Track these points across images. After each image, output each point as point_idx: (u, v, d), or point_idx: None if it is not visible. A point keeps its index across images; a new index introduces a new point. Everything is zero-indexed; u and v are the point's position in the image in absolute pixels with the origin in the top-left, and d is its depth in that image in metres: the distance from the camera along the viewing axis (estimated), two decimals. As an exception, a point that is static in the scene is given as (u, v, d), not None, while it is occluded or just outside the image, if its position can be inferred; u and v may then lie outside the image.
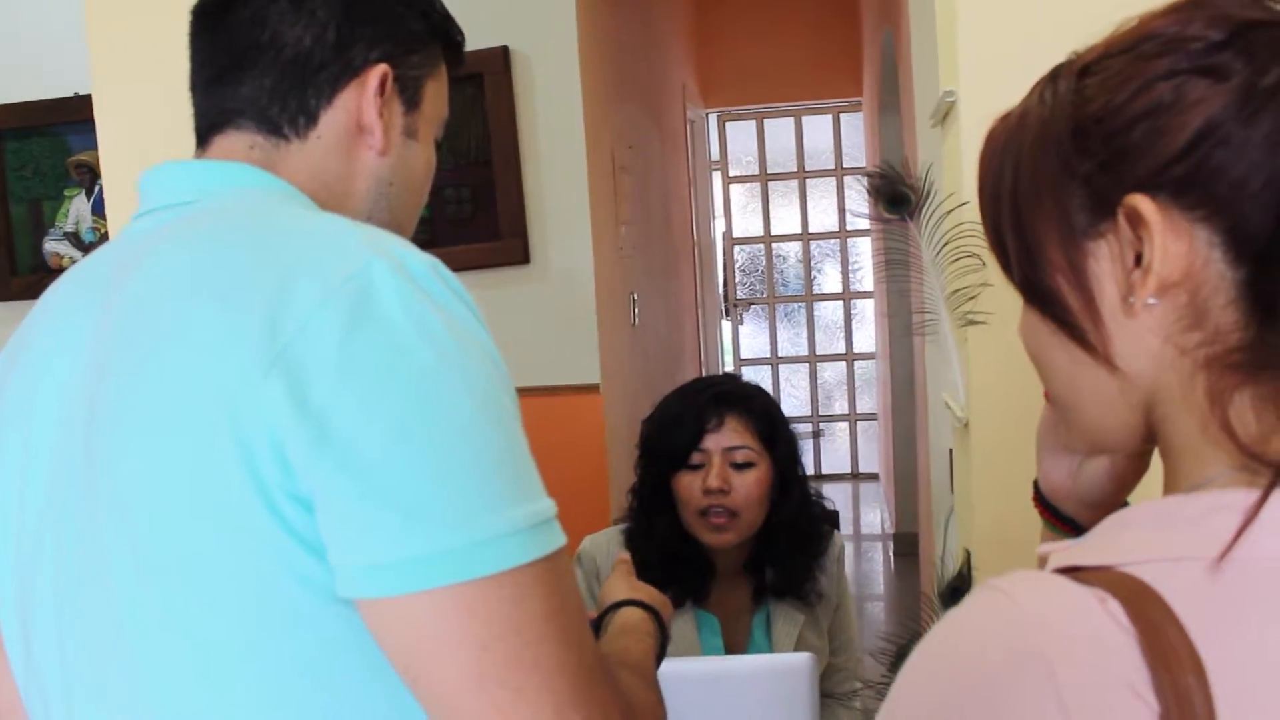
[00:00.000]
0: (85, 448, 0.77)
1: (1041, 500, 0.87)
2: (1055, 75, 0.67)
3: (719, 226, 6.84)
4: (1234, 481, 0.58)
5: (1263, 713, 0.52)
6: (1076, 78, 0.65)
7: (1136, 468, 0.81)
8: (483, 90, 3.16)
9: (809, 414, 7.14)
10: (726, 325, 6.94)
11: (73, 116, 3.51)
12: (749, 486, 1.74)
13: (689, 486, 1.74)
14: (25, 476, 0.81)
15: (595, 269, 3.23)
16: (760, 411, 1.79)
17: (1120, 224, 0.61)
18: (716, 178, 6.80)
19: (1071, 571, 0.57)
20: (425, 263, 0.75)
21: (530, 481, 0.74)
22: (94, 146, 3.55)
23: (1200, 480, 0.61)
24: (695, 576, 1.79)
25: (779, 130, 6.81)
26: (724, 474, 1.73)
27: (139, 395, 0.75)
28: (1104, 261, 0.63)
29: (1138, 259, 0.61)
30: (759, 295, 7.13)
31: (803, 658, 1.28)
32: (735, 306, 7.02)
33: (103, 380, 0.77)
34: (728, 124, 6.82)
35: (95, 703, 0.79)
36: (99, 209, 3.54)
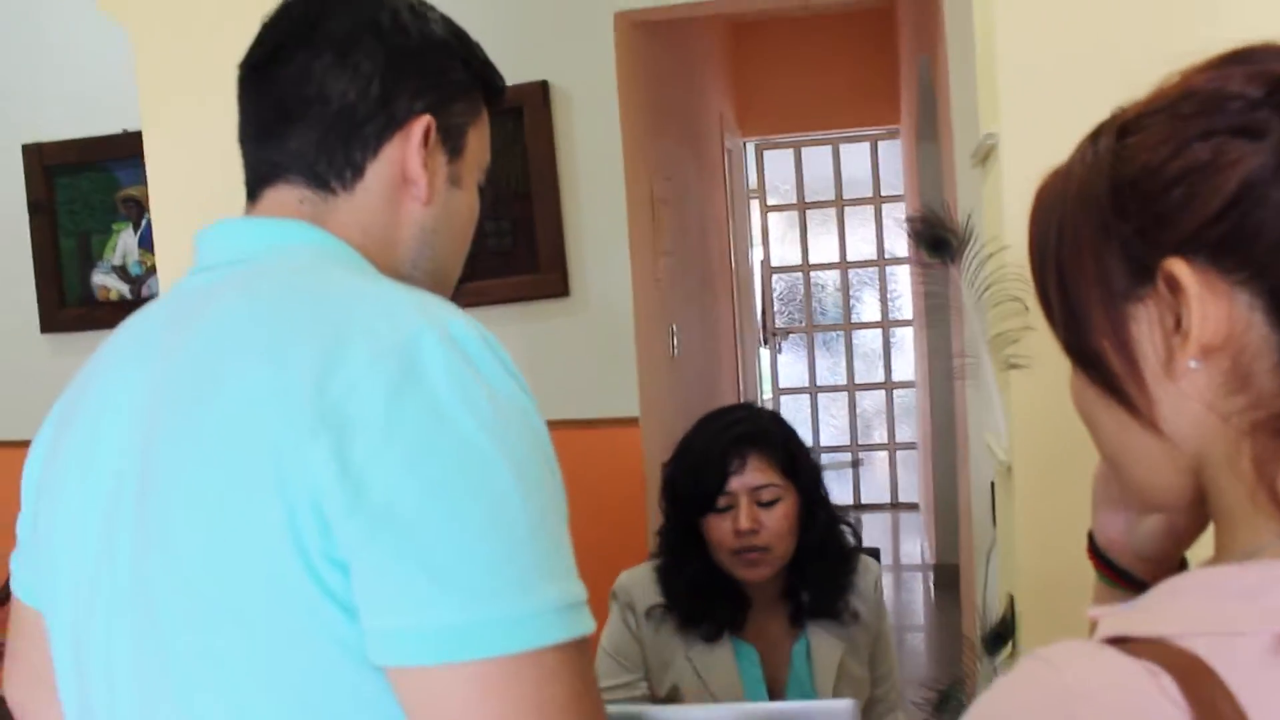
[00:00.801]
0: (138, 498, 0.78)
1: (1096, 553, 0.85)
2: (1098, 133, 0.66)
3: (757, 255, 6.83)
4: None
5: None
6: (1116, 137, 0.64)
7: (1193, 524, 0.78)
8: (522, 124, 3.19)
9: (848, 443, 7.10)
10: (765, 354, 6.93)
11: (121, 152, 3.57)
12: (778, 522, 1.75)
13: (719, 529, 1.75)
14: (83, 523, 0.83)
15: (634, 300, 3.24)
16: (780, 445, 1.80)
17: (1160, 288, 0.61)
18: (754, 206, 6.81)
19: (1122, 642, 0.56)
20: (475, 335, 0.76)
21: (564, 562, 0.74)
22: (142, 182, 3.60)
23: (1252, 548, 0.59)
24: (731, 609, 1.80)
25: (816, 158, 6.80)
26: (753, 514, 1.74)
27: (191, 448, 0.76)
28: (1145, 325, 0.62)
29: (1178, 323, 0.60)
30: (797, 324, 7.11)
31: (845, 704, 1.28)
32: (774, 335, 7.00)
33: (155, 432, 0.79)
34: (765, 153, 6.83)
35: None
36: (146, 243, 3.59)
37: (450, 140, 0.94)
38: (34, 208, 3.75)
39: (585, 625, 0.74)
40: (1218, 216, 0.59)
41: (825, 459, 7.06)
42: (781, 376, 7.11)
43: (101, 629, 0.81)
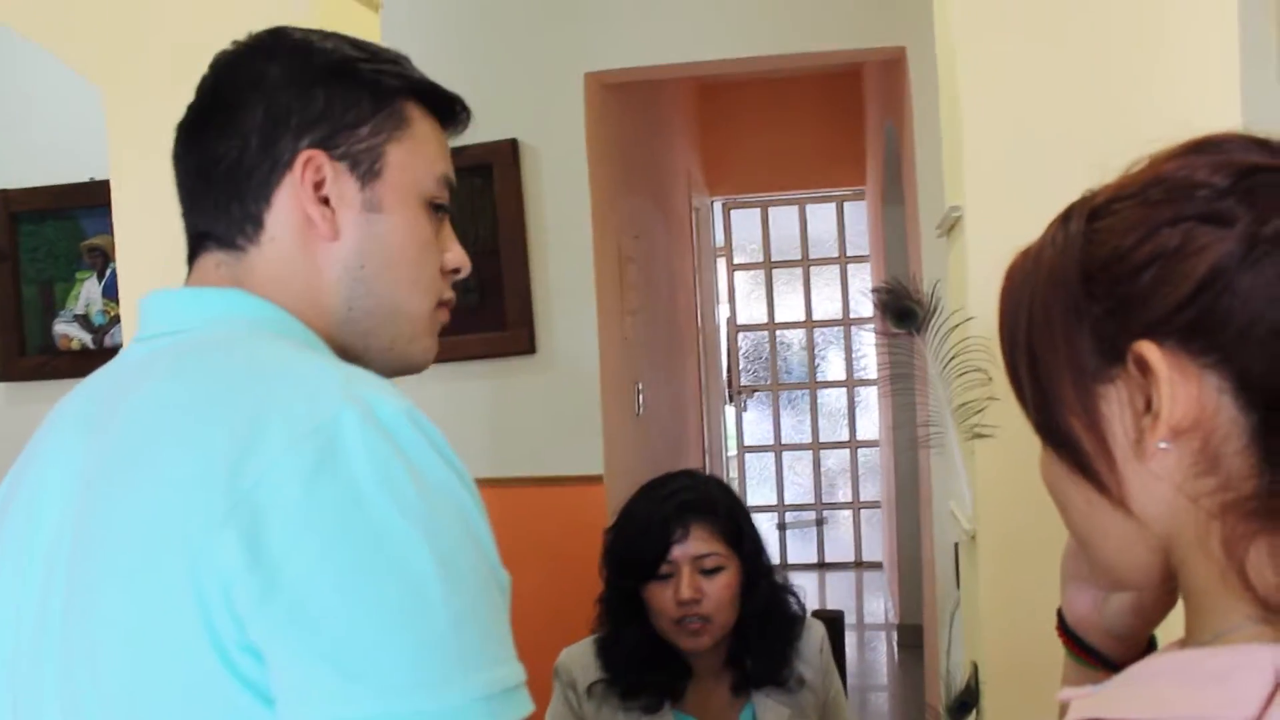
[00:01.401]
0: (66, 580, 0.76)
1: (1065, 629, 0.85)
2: (1068, 216, 0.67)
3: (723, 313, 6.87)
4: (1256, 635, 0.57)
5: None
6: (1087, 220, 0.65)
7: (1163, 602, 0.78)
8: (491, 181, 3.21)
9: (812, 501, 7.11)
10: (730, 412, 6.94)
11: (87, 201, 3.55)
12: (719, 591, 1.73)
13: (660, 597, 1.73)
14: (19, 602, 0.81)
15: (600, 359, 3.25)
16: (725, 514, 1.79)
17: (1130, 369, 0.61)
18: (721, 264, 6.85)
19: None
20: (400, 412, 0.72)
21: (494, 647, 0.71)
22: (107, 230, 3.58)
23: (1222, 628, 0.59)
24: (672, 678, 1.78)
25: (783, 218, 6.87)
26: (694, 582, 1.72)
27: (112, 534, 0.74)
28: (1115, 405, 0.63)
29: (1148, 404, 0.61)
30: (763, 382, 7.14)
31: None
32: (739, 393, 7.02)
33: (83, 517, 0.77)
34: (732, 211, 6.88)
35: None
36: (110, 292, 3.56)
37: (360, 165, 0.88)
38: (-3, 256, 3.72)
39: (518, 709, 0.71)
40: (1187, 301, 0.59)
41: (789, 517, 7.06)
42: (746, 434, 7.12)
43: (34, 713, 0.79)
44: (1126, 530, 0.65)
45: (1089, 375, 0.64)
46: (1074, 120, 1.27)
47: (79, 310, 3.65)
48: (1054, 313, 0.65)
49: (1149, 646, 0.82)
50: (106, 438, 0.79)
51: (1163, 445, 0.61)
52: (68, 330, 3.62)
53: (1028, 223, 0.73)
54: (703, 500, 1.79)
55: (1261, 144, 0.63)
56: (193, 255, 0.91)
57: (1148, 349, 0.60)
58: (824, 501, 7.13)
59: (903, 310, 1.37)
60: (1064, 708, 0.63)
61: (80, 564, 0.75)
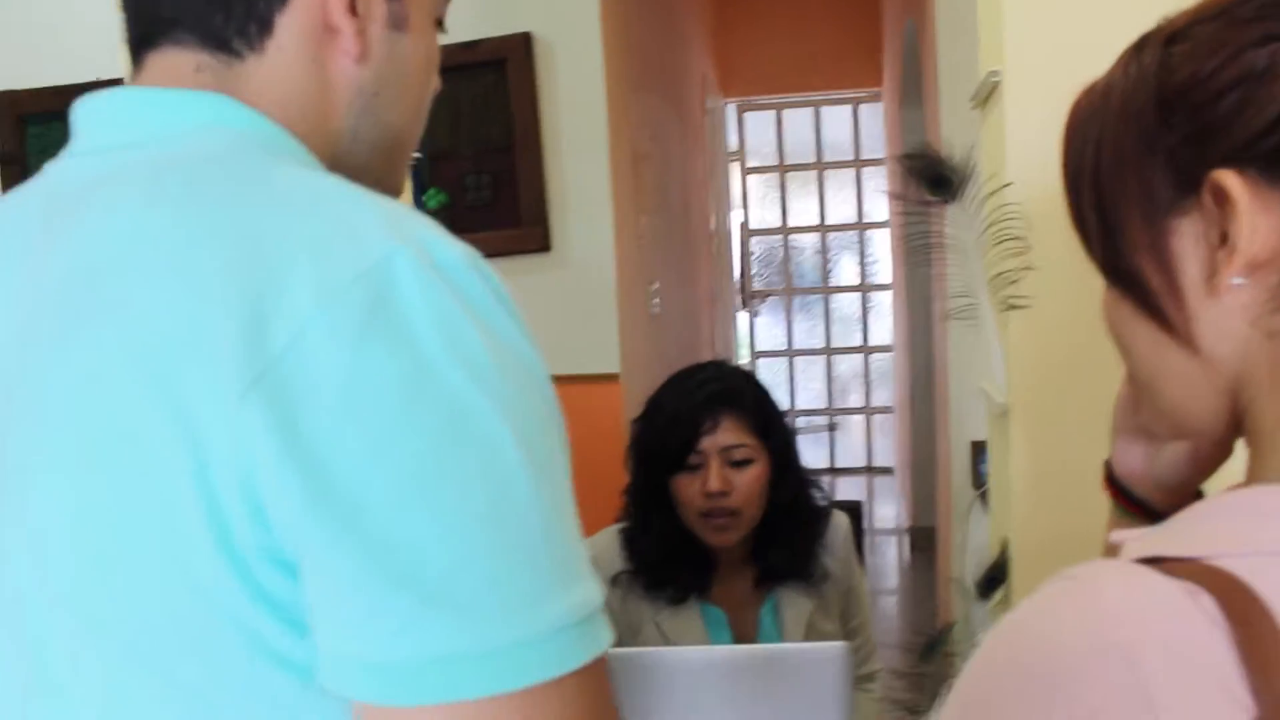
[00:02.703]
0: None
1: (1113, 482, 0.83)
2: (1141, 45, 0.62)
3: (736, 217, 6.82)
4: None
5: None
6: (1163, 46, 0.61)
7: (1218, 453, 0.76)
8: (505, 76, 3.15)
9: (825, 407, 7.12)
10: (743, 317, 6.92)
11: (94, 100, 3.50)
12: (748, 484, 1.72)
13: (688, 489, 1.72)
14: None
15: (616, 257, 3.22)
16: (754, 406, 1.77)
17: (1205, 201, 0.58)
18: (735, 168, 6.78)
19: (1154, 562, 0.53)
20: (462, 256, 0.58)
21: (579, 558, 0.58)
22: (115, 130, 3.54)
23: None
24: (697, 571, 1.78)
25: (797, 121, 6.78)
26: (723, 475, 1.70)
27: (69, 397, 0.57)
28: (1188, 240, 0.59)
29: (1223, 237, 0.57)
30: (776, 287, 7.11)
31: (837, 647, 1.27)
32: (752, 298, 7.00)
33: (24, 369, 0.60)
34: (746, 114, 6.80)
35: None
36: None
37: None
38: (4, 158, 3.68)
39: (603, 638, 0.58)
40: (1271, 127, 0.56)
41: (801, 422, 7.08)
42: (759, 339, 7.11)
43: None
44: (1193, 372, 0.62)
45: (1161, 209, 0.60)
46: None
47: (90, 211, 3.62)
48: (1125, 145, 0.62)
49: (1197, 498, 0.81)
50: (49, 275, 0.61)
51: (1238, 281, 0.57)
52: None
53: (1071, 86, 0.68)
54: (732, 391, 1.77)
55: None
56: (146, 43, 0.70)
57: (1227, 177, 0.57)
58: (836, 407, 7.14)
59: (937, 177, 1.33)
60: (1114, 549, 0.61)
61: (16, 436, 0.59)
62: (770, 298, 7.12)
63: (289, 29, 0.69)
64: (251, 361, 0.53)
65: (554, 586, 0.55)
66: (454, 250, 0.58)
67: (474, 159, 3.22)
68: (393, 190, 0.78)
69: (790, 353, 7.08)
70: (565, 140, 3.19)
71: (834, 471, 6.96)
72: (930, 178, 1.33)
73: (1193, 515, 0.58)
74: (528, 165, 3.18)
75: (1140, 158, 0.61)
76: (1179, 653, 0.49)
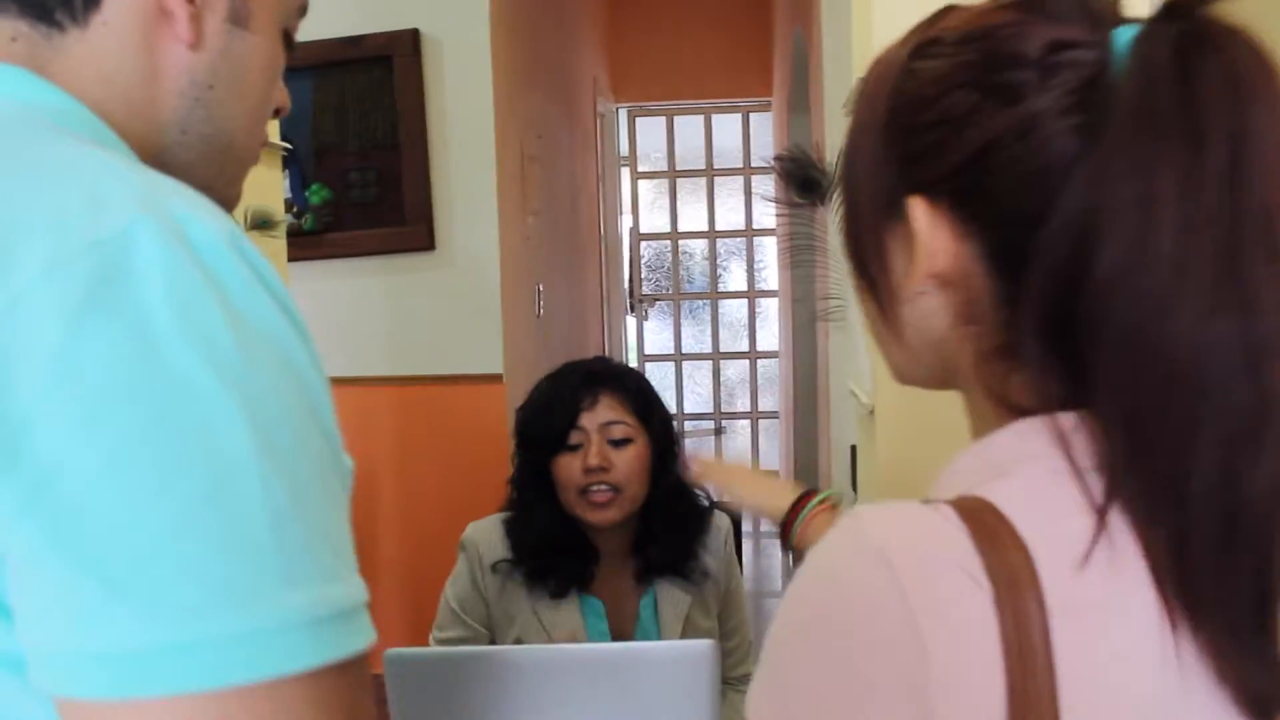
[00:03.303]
0: None
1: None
2: (910, 38, 0.69)
3: (626, 222, 6.84)
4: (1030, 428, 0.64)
5: (1080, 584, 0.58)
6: (911, 56, 0.68)
7: None
8: (392, 73, 3.12)
9: (711, 411, 7.18)
10: (631, 320, 6.94)
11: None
12: (629, 462, 1.75)
13: (568, 467, 1.74)
14: None
15: (501, 257, 3.21)
16: (634, 388, 1.81)
17: (906, 218, 0.66)
18: (625, 173, 6.80)
19: None
20: (219, 233, 0.54)
21: (327, 556, 0.53)
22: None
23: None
24: (578, 563, 1.79)
25: (689, 128, 6.83)
26: (603, 451, 1.74)
27: None
28: (898, 245, 0.68)
29: None
30: (664, 291, 7.14)
31: (706, 644, 1.28)
32: (640, 302, 7.02)
33: None
34: (638, 119, 6.82)
35: None
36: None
37: None
38: None
39: (350, 642, 0.53)
40: (958, 170, 0.64)
41: (688, 426, 7.13)
42: (647, 343, 7.14)
43: None
44: (908, 356, 0.73)
45: (884, 215, 0.68)
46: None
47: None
48: (869, 138, 0.69)
49: None
50: None
51: (921, 290, 0.67)
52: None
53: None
54: (612, 372, 1.82)
55: (1092, 14, 0.63)
56: None
57: (915, 204, 0.65)
58: (723, 411, 7.21)
59: (807, 180, 1.36)
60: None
61: None
62: (659, 302, 7.16)
63: (118, 5, 0.66)
64: None
65: (278, 582, 0.50)
66: (211, 226, 0.54)
67: (359, 155, 3.18)
68: (223, 201, 0.74)
69: (678, 357, 7.12)
70: (452, 138, 3.17)
71: (720, 475, 7.02)
72: (800, 180, 1.35)
73: (942, 477, 0.67)
74: (413, 163, 3.15)
75: (874, 165, 0.69)
76: (923, 548, 0.58)
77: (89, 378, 0.49)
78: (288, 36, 0.77)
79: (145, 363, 0.49)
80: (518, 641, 1.77)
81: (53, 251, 0.50)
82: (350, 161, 3.20)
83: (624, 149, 6.76)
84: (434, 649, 1.75)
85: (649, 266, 7.16)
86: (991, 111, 0.62)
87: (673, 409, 7.26)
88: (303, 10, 0.78)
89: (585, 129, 5.24)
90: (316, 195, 3.20)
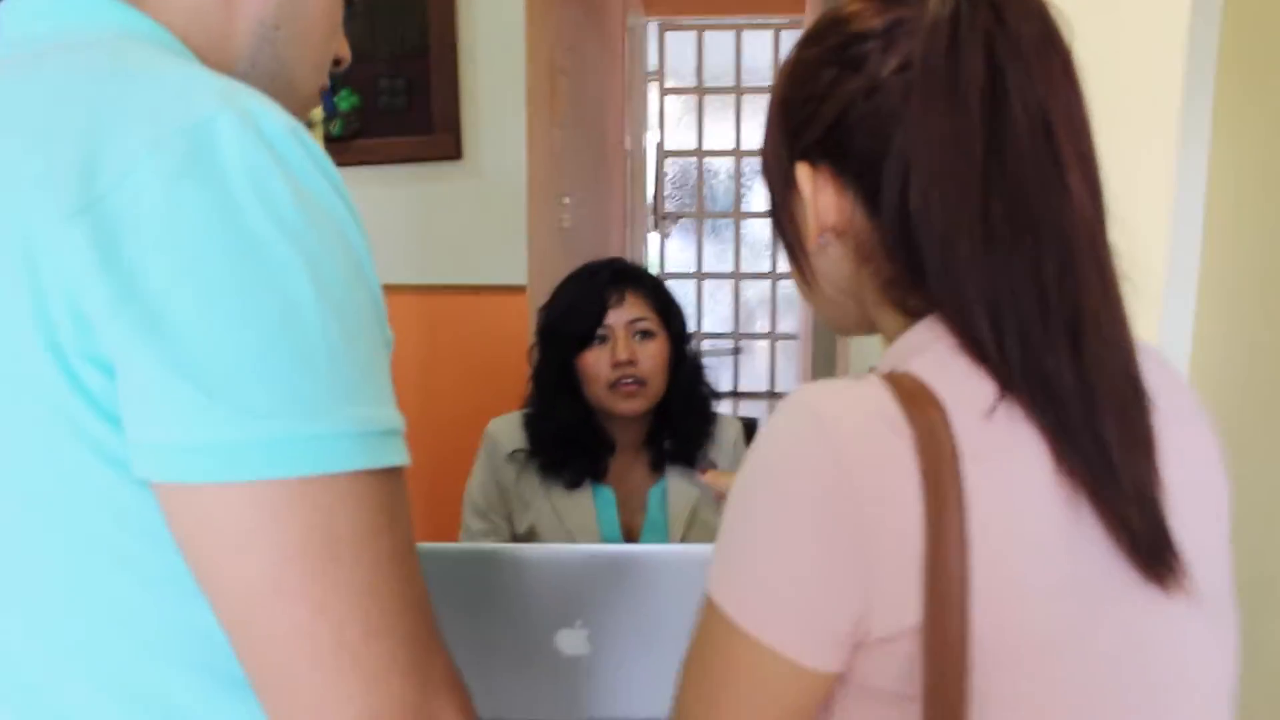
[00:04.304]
0: None
1: None
2: (806, 30, 0.83)
3: (652, 137, 6.80)
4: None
5: (986, 433, 0.69)
6: (800, 45, 0.82)
7: None
8: (422, -22, 3.10)
9: (731, 331, 7.21)
10: (654, 237, 6.94)
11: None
12: (653, 355, 1.85)
13: (596, 362, 1.84)
14: None
15: (528, 169, 3.21)
16: (654, 288, 1.92)
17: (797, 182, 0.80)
18: (653, 88, 6.75)
19: None
20: (284, 125, 0.66)
21: (373, 387, 0.65)
22: None
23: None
24: (594, 455, 1.88)
25: (718, 43, 6.76)
26: (630, 345, 1.84)
27: None
28: (799, 208, 0.82)
29: None
30: (688, 209, 7.13)
31: (707, 550, 1.33)
32: (663, 219, 7.02)
33: None
34: (667, 33, 6.75)
35: None
36: None
37: None
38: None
39: (390, 456, 0.66)
40: (826, 134, 0.78)
41: (707, 345, 7.16)
42: (668, 261, 7.15)
43: None
44: (828, 301, 0.86)
45: (784, 184, 0.82)
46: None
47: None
48: (771, 125, 0.83)
49: None
50: None
51: (822, 241, 0.81)
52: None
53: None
54: (635, 272, 1.92)
55: None
56: None
57: (800, 169, 0.80)
58: (742, 332, 7.24)
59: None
60: None
61: None
62: (682, 220, 7.15)
63: None
64: (82, 193, 0.61)
65: (333, 400, 0.62)
66: (278, 119, 0.66)
67: (389, 62, 3.17)
68: None
69: (699, 275, 7.13)
70: (481, 48, 3.16)
71: (737, 395, 7.07)
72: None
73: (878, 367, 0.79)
74: (442, 70, 3.14)
75: (775, 140, 0.83)
76: (849, 405, 0.69)
77: (185, 231, 0.60)
78: None
79: (228, 221, 0.61)
80: (531, 528, 1.84)
81: (152, 133, 0.62)
82: (380, 68, 3.20)
83: (653, 63, 6.70)
84: (440, 544, 1.83)
85: (673, 184, 7.14)
86: (846, 80, 0.76)
87: (693, 327, 7.29)
88: None
89: (614, 42, 5.20)
90: (345, 101, 3.20)
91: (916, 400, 0.69)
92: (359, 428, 0.63)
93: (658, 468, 1.92)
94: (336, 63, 0.91)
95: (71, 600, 0.66)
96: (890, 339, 0.81)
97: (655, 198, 6.92)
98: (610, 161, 5.15)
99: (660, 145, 6.95)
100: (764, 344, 7.23)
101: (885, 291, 0.79)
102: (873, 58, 0.75)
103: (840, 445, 0.68)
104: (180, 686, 0.68)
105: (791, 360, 6.94)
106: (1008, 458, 0.70)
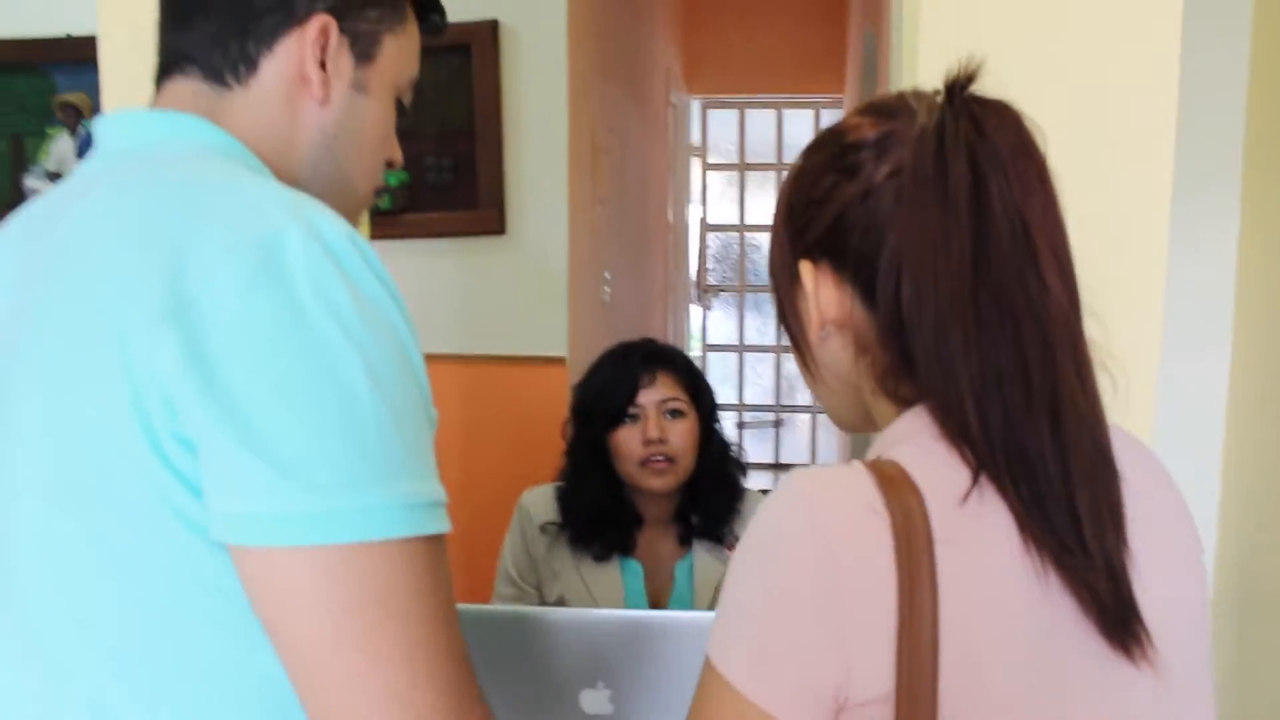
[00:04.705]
0: (2, 380, 0.79)
1: None
2: (809, 142, 0.90)
3: (695, 212, 6.91)
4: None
5: (960, 519, 0.74)
6: (804, 155, 0.89)
7: None
8: (470, 61, 3.22)
9: (772, 403, 7.24)
10: (696, 310, 7.02)
11: (62, 57, 3.54)
12: (682, 434, 1.91)
13: (628, 440, 1.89)
14: None
15: (569, 244, 3.30)
16: (685, 368, 1.99)
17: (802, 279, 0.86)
18: (696, 163, 6.87)
19: None
20: (344, 235, 0.75)
21: (420, 465, 0.75)
22: (82, 88, 3.57)
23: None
24: (623, 529, 1.93)
25: (760, 121, 6.88)
26: (660, 424, 1.90)
27: (43, 330, 0.77)
28: (804, 304, 0.87)
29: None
30: (730, 282, 7.21)
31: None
32: (705, 292, 7.09)
33: (16, 314, 0.80)
34: (710, 111, 6.89)
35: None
36: (84, 152, 3.57)
37: (359, 44, 0.92)
38: (-33, 109, 3.71)
39: (435, 525, 0.75)
40: (824, 235, 0.84)
41: (749, 417, 7.19)
42: (710, 333, 7.21)
43: None
44: (831, 392, 0.91)
45: (789, 281, 0.88)
46: (1020, 42, 1.32)
47: (51, 167, 3.65)
48: (777, 227, 0.90)
49: None
50: (46, 243, 0.81)
51: (823, 334, 0.86)
52: (39, 185, 3.63)
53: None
54: (667, 353, 1.99)
55: (911, 110, 0.82)
56: (164, 74, 0.91)
57: (803, 266, 0.86)
58: (783, 404, 7.26)
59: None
60: None
61: (15, 366, 0.78)
62: (724, 293, 7.22)
63: (273, 72, 0.89)
64: (170, 296, 0.71)
65: (386, 475, 0.72)
66: (338, 228, 0.75)
67: (436, 140, 3.29)
68: None
69: (741, 348, 7.18)
70: (526, 127, 3.26)
71: (778, 467, 7.08)
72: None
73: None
74: (488, 149, 3.25)
75: (780, 240, 0.89)
76: (836, 490, 0.75)
77: (258, 331, 0.70)
78: (400, 104, 0.98)
79: (295, 323, 0.70)
80: (560, 599, 1.88)
81: (231, 243, 0.72)
82: (427, 147, 3.31)
83: (695, 139, 6.82)
84: (474, 605, 1.88)
85: (715, 257, 7.23)
86: (844, 185, 0.83)
87: (734, 399, 7.36)
88: (413, 83, 1.00)
89: (657, 119, 5.32)
90: (394, 178, 3.31)
91: (896, 486, 0.74)
92: (407, 500, 0.73)
93: (685, 542, 1.95)
94: (389, 164, 1.00)
95: (155, 647, 0.75)
96: (882, 427, 0.86)
97: (698, 271, 7.00)
98: (652, 235, 5.24)
99: (703, 219, 7.05)
100: (805, 417, 7.25)
101: (881, 382, 0.84)
102: (867, 165, 0.82)
103: (827, 525, 0.74)
104: None
105: (832, 433, 6.95)
106: (979, 540, 0.74)
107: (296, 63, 0.89)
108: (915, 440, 0.79)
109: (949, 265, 0.76)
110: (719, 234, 7.18)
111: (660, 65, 5.36)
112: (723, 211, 7.15)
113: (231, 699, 0.76)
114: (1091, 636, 0.75)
